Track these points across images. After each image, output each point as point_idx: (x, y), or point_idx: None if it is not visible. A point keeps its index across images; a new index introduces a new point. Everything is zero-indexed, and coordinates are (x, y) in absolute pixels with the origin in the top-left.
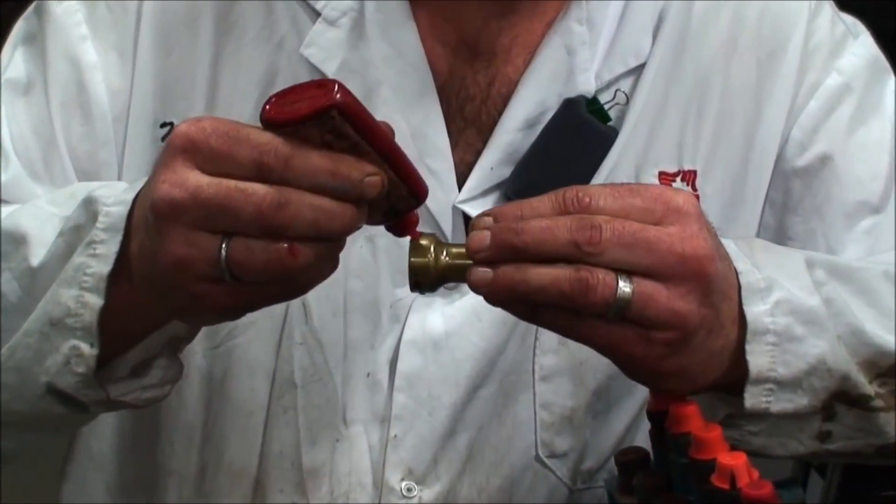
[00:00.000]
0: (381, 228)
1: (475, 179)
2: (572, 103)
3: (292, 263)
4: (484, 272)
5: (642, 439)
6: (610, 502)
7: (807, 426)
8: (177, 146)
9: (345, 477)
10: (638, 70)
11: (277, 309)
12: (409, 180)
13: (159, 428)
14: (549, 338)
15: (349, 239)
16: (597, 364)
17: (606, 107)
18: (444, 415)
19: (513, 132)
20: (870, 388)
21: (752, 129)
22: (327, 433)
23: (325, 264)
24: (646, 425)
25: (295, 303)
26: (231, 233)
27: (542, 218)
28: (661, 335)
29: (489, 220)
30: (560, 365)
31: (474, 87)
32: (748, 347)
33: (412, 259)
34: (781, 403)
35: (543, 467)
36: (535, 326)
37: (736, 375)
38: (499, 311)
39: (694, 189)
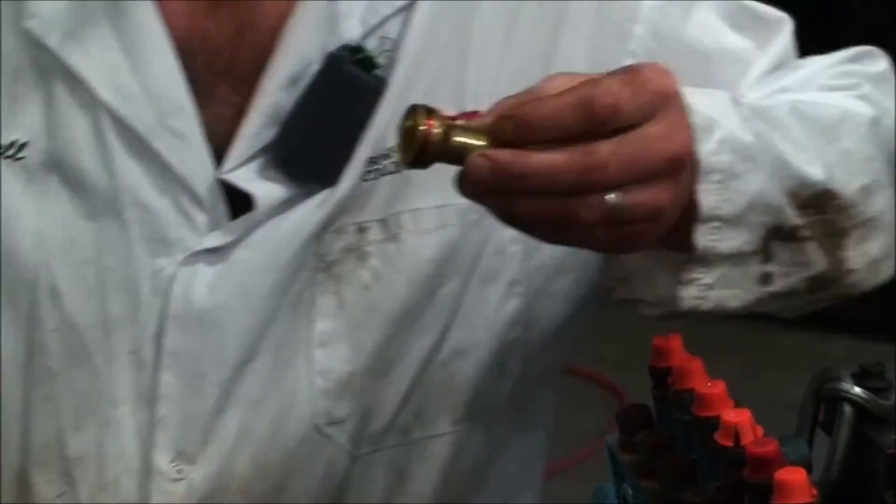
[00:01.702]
0: (126, 201)
1: (240, 148)
2: (334, 57)
3: None
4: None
5: (429, 395)
6: (611, 460)
7: (749, 270)
8: None
9: (113, 462)
10: (407, 8)
11: (20, 299)
12: None
13: None
14: (326, 302)
15: (94, 215)
16: (372, 325)
17: (376, 53)
18: (212, 393)
19: (276, 92)
20: (798, 220)
21: (548, 58)
22: (93, 418)
23: None
24: (430, 379)
25: (42, 289)
26: None
27: (551, 154)
28: (640, 227)
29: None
30: (337, 329)
31: (220, 38)
32: (699, 187)
33: (407, 125)
34: (727, 242)
35: (322, 436)
36: (308, 293)
37: (683, 222)
38: (268, 282)
39: None
